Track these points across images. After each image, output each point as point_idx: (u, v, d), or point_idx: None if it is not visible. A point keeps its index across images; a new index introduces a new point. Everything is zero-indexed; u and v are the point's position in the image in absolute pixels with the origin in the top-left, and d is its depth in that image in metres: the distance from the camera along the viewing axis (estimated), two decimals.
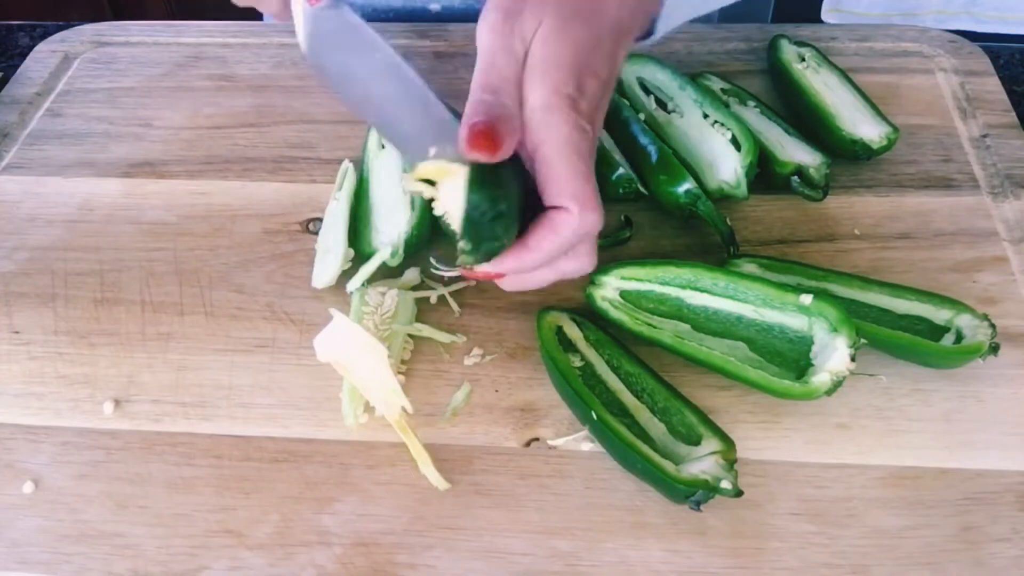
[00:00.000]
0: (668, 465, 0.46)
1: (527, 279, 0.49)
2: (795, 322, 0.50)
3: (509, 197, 0.45)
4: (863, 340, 0.48)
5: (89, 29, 0.78)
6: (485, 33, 0.45)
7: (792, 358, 0.50)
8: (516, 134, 0.44)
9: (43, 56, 0.76)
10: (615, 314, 0.52)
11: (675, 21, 0.54)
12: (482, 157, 0.43)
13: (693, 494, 0.44)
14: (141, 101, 0.72)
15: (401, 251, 0.56)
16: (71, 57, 0.76)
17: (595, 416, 0.48)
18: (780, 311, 0.50)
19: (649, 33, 0.53)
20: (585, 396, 0.49)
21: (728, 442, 0.46)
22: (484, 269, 0.47)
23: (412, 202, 0.58)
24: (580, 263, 0.48)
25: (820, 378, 0.47)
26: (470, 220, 0.44)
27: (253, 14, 0.92)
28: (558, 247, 0.45)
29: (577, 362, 0.52)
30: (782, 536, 0.46)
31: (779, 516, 0.47)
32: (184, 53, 0.76)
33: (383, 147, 0.62)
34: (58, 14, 1.55)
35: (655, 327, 0.51)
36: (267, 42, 0.76)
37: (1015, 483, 0.47)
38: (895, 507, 0.47)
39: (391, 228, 0.57)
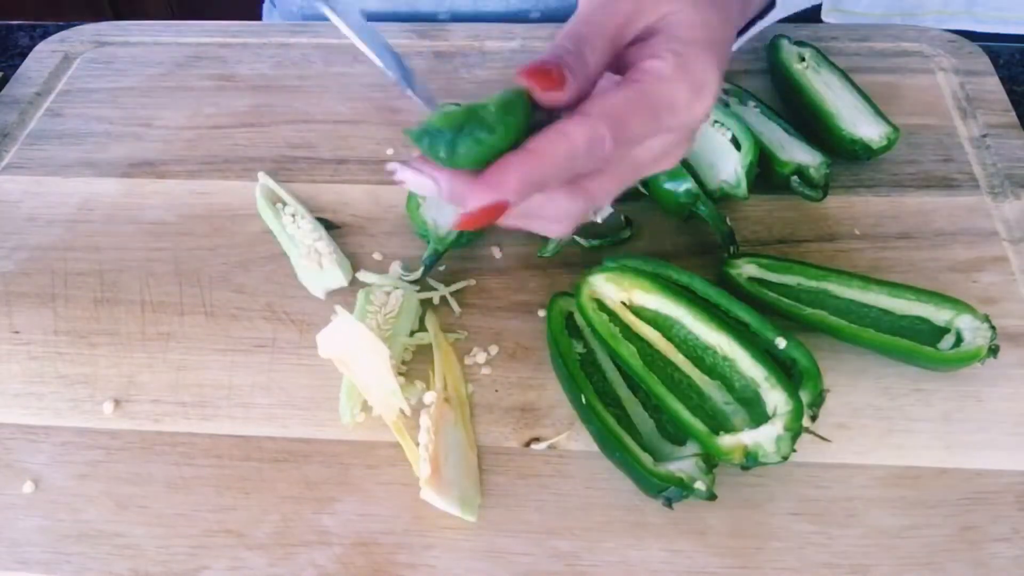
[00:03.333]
0: (645, 457, 0.46)
1: (524, 212, 0.40)
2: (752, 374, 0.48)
3: (516, 112, 0.37)
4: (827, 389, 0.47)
5: (89, 29, 0.78)
6: None
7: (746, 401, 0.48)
8: (583, 87, 0.38)
9: (43, 56, 0.76)
10: (592, 315, 0.51)
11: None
12: (536, 88, 0.37)
13: (666, 489, 0.44)
14: (141, 101, 0.72)
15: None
16: (71, 57, 0.76)
17: (584, 400, 0.48)
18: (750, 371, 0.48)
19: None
20: (579, 380, 0.49)
21: (718, 452, 0.45)
22: (467, 186, 0.37)
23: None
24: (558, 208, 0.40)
25: (732, 440, 0.45)
26: (464, 111, 0.36)
27: (253, 14, 0.92)
28: (565, 155, 0.37)
29: (580, 348, 0.52)
30: (782, 536, 0.46)
31: (779, 516, 0.47)
32: (184, 53, 0.76)
33: None
34: (58, 14, 1.55)
35: (618, 339, 0.50)
36: (267, 42, 0.76)
37: (1015, 483, 0.47)
38: (895, 507, 0.47)
39: (446, 219, 0.58)
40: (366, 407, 0.51)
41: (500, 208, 0.37)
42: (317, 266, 0.57)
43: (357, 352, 0.49)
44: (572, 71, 0.37)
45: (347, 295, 0.57)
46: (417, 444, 0.48)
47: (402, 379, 0.52)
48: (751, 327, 0.50)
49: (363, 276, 0.57)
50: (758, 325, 0.50)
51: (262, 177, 0.63)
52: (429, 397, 0.50)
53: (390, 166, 0.38)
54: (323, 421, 0.51)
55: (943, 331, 0.51)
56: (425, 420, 0.48)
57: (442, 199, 0.38)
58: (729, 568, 0.45)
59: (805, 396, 0.46)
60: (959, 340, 0.51)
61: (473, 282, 0.57)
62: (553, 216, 0.40)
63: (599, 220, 0.48)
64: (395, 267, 0.58)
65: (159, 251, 0.61)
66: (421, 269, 0.57)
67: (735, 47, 0.50)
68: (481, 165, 0.37)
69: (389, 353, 0.49)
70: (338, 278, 0.57)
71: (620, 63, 0.41)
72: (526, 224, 0.42)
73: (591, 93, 0.39)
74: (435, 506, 0.46)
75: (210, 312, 0.57)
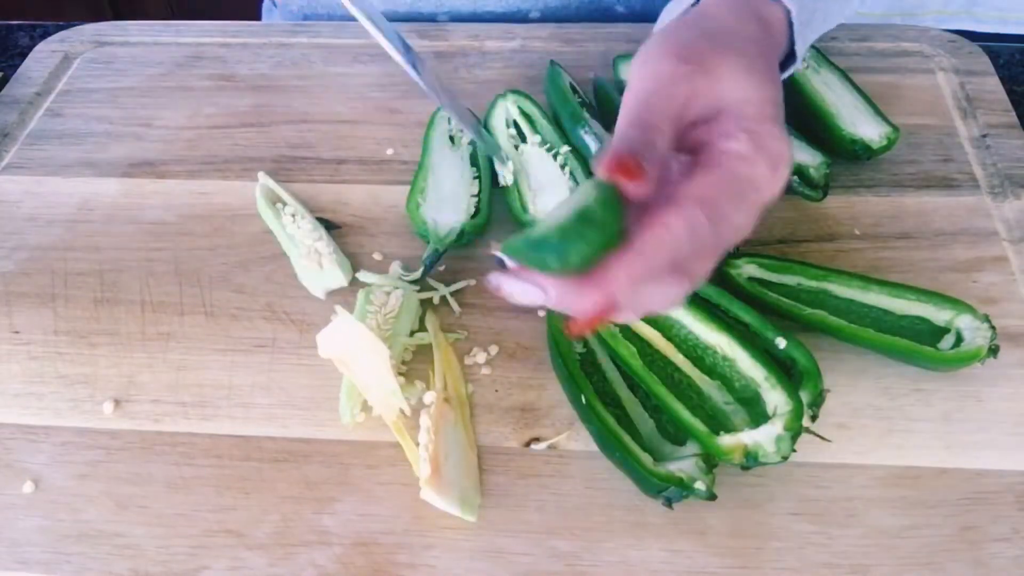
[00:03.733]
0: (645, 457, 0.46)
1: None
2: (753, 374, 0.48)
3: (616, 206, 0.37)
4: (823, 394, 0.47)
5: (89, 29, 0.78)
6: (648, 77, 0.41)
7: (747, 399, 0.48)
8: (657, 173, 0.38)
9: (43, 56, 0.76)
10: None
11: (803, 51, 0.51)
12: (624, 183, 0.37)
13: (665, 489, 0.45)
14: (141, 101, 0.72)
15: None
16: (71, 57, 0.76)
17: (584, 400, 0.48)
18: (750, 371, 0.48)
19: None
20: (579, 380, 0.49)
21: (718, 452, 0.45)
22: (577, 292, 0.36)
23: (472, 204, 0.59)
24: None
25: (733, 440, 0.45)
26: (574, 216, 0.35)
27: (254, 14, 0.92)
28: (669, 246, 0.37)
29: (579, 348, 0.52)
30: (782, 536, 0.46)
31: (779, 516, 0.47)
32: (184, 53, 0.76)
33: (452, 140, 0.64)
34: (58, 14, 1.55)
35: (617, 339, 0.50)
36: (267, 42, 0.76)
37: (1015, 483, 0.47)
38: (895, 507, 0.47)
39: (446, 218, 0.58)
40: (366, 407, 0.51)
41: (612, 308, 0.36)
42: (317, 266, 0.57)
43: (357, 352, 0.49)
44: (647, 160, 0.37)
45: (347, 295, 0.57)
46: (417, 444, 0.48)
47: (402, 379, 0.52)
48: (751, 327, 0.50)
49: (363, 276, 0.57)
50: (758, 325, 0.50)
51: (262, 177, 0.63)
52: (429, 397, 0.50)
53: (493, 281, 0.38)
54: (323, 421, 0.51)
55: (943, 331, 0.51)
56: (425, 420, 0.48)
57: (551, 306, 0.37)
58: (729, 568, 0.45)
59: (805, 396, 0.46)
60: (959, 340, 0.51)
61: (473, 282, 0.57)
62: (660, 304, 0.40)
63: None
64: (395, 267, 0.58)
65: (159, 251, 0.60)
66: (421, 269, 0.57)
67: None
68: (590, 266, 0.36)
69: (389, 353, 0.49)
70: (338, 278, 0.57)
71: (681, 143, 0.41)
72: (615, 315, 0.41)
73: (663, 176, 0.39)
74: (435, 506, 0.46)
75: (210, 312, 0.57)
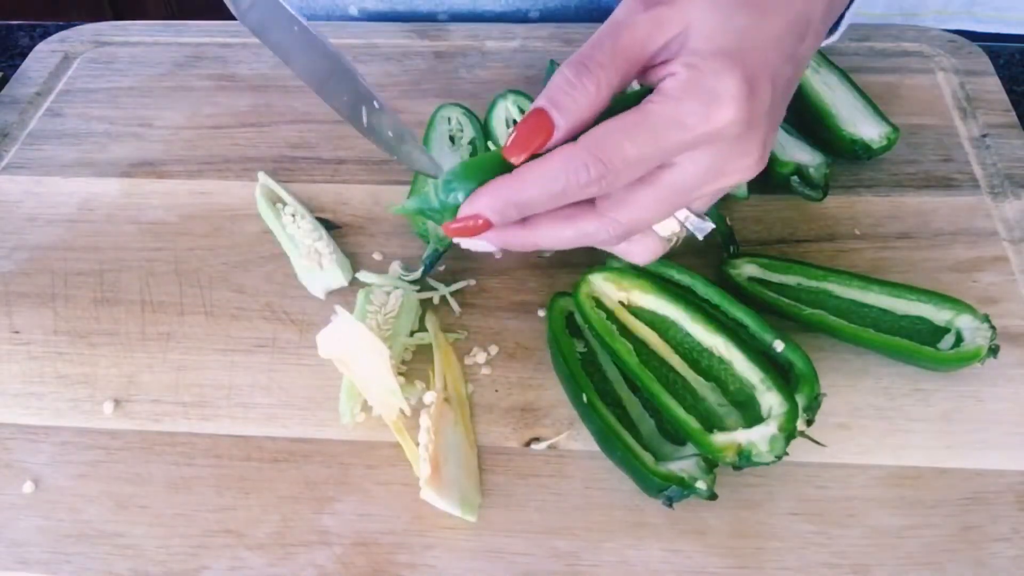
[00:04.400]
0: (646, 456, 0.46)
1: (531, 234, 0.42)
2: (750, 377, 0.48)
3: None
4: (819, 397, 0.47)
5: (89, 29, 0.78)
6: (615, 13, 0.40)
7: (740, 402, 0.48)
8: (581, 120, 0.39)
9: (43, 56, 0.76)
10: (590, 312, 0.52)
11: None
12: (514, 159, 0.39)
13: (666, 488, 0.45)
14: (141, 101, 0.72)
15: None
16: (71, 57, 0.76)
17: (584, 399, 0.48)
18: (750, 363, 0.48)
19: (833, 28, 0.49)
20: (580, 379, 0.49)
21: (711, 450, 0.45)
22: (466, 212, 0.41)
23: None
24: (636, 248, 0.44)
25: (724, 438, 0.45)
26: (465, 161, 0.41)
27: None
28: (542, 177, 0.39)
29: (580, 347, 0.52)
30: (782, 536, 0.46)
31: (779, 516, 0.47)
32: (184, 53, 0.76)
33: (452, 140, 0.64)
34: (58, 14, 1.55)
35: (614, 336, 0.50)
36: None
37: (1015, 483, 0.47)
38: (895, 507, 0.47)
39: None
40: (366, 407, 0.51)
41: (482, 223, 0.41)
42: (317, 266, 0.57)
43: (357, 352, 0.49)
44: (564, 110, 0.39)
45: (347, 295, 0.57)
46: (417, 444, 0.48)
47: (402, 379, 0.52)
48: (749, 329, 0.50)
49: (363, 276, 0.57)
50: (756, 327, 0.50)
51: (262, 177, 0.63)
52: (429, 397, 0.50)
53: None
54: (323, 421, 0.51)
55: (943, 331, 0.51)
56: (425, 420, 0.48)
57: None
58: (729, 568, 0.45)
59: (801, 400, 0.46)
60: (959, 340, 0.51)
61: (473, 282, 0.57)
62: (570, 238, 0.43)
63: (700, 238, 0.46)
64: (395, 267, 0.58)
65: (159, 251, 0.61)
66: (421, 269, 0.57)
67: (829, 42, 0.51)
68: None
69: (389, 353, 0.49)
70: (338, 278, 0.57)
71: (648, 81, 0.41)
72: (573, 239, 0.43)
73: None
74: (435, 506, 0.46)
75: (210, 312, 0.57)
